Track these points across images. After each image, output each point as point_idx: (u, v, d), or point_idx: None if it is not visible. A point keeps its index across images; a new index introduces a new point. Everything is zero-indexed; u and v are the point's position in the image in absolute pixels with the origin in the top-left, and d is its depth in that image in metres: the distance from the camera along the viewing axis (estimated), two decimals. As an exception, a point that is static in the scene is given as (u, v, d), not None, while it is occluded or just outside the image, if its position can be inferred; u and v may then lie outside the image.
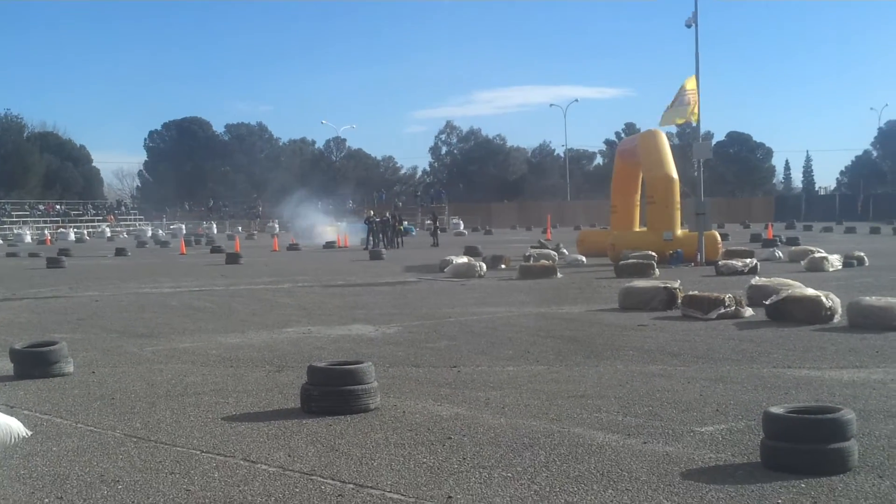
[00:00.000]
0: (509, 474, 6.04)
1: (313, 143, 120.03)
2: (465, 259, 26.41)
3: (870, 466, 5.94)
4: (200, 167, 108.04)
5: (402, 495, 5.67)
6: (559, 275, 23.28)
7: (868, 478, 5.72)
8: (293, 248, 44.13)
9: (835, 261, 24.46)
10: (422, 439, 7.04)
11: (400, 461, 6.43)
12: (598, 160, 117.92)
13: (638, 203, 32.85)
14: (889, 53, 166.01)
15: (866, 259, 25.69)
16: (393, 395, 8.67)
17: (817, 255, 25.04)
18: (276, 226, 73.03)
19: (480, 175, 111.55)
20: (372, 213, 46.75)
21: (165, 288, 22.18)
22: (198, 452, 6.81)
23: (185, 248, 44.30)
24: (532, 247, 33.81)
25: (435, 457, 6.53)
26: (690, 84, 28.21)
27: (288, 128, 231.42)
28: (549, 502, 5.47)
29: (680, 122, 30.22)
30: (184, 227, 77.17)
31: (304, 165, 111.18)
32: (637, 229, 31.79)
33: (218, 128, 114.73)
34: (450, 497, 5.60)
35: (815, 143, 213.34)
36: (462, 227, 73.76)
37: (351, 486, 5.89)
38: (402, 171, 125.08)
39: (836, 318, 13.20)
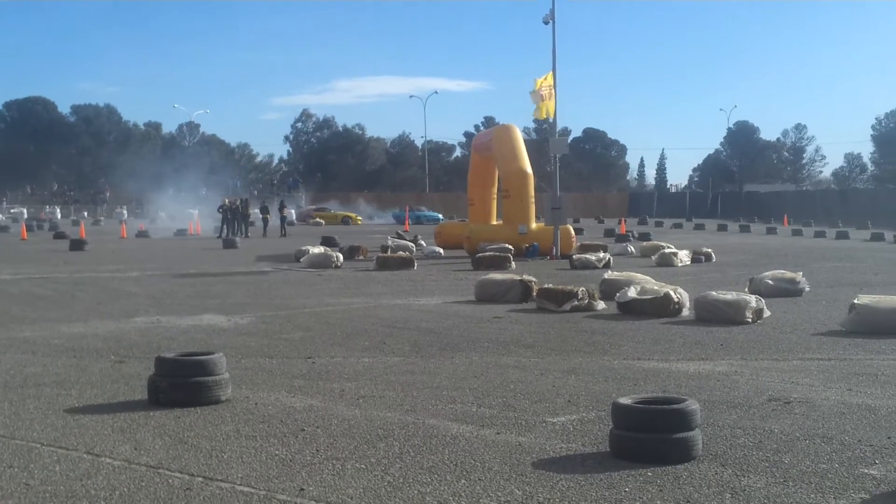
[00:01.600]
0: (363, 465, 5.97)
1: (164, 127, 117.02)
2: (321, 249, 26.16)
3: (713, 455, 6.12)
4: (44, 149, 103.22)
5: (253, 488, 5.53)
6: (416, 266, 23.32)
7: (711, 466, 5.89)
8: (142, 235, 42.85)
9: (684, 256, 25.32)
10: (274, 431, 6.89)
11: (251, 453, 6.27)
12: (458, 152, 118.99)
13: (495, 196, 33.25)
14: (739, 54, 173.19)
15: (713, 255, 26.69)
16: (245, 387, 8.47)
17: (667, 250, 25.86)
18: (125, 212, 70.77)
19: (339, 165, 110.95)
20: (227, 200, 45.78)
21: (4, 275, 21.16)
22: (38, 445, 6.48)
23: (27, 234, 42.36)
24: (390, 238, 33.79)
25: (287, 449, 6.39)
26: (548, 80, 28.71)
27: (138, 111, 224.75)
28: (401, 493, 5.42)
29: (541, 116, 30.68)
30: (25, 211, 73.84)
31: (155, 150, 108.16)
32: (494, 222, 32.18)
33: (63, 108, 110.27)
34: (302, 489, 5.49)
35: (670, 141, 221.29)
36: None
37: (200, 479, 5.71)
38: (259, 159, 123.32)
39: (685, 312, 13.63)
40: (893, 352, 10.48)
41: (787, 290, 16.47)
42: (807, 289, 16.74)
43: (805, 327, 12.46)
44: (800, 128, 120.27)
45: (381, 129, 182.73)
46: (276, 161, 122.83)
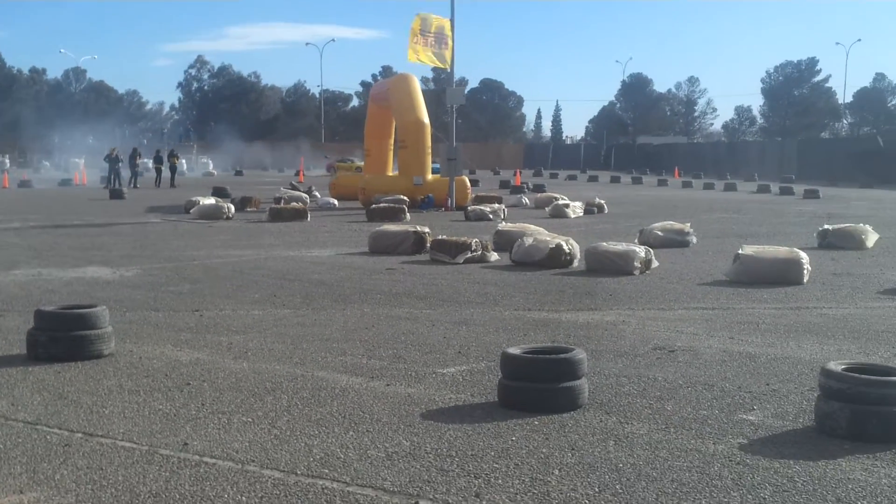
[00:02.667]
0: (249, 419, 5.88)
1: (50, 73, 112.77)
2: (212, 200, 25.69)
3: (599, 403, 6.21)
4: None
5: (135, 443, 5.39)
6: (310, 218, 23.08)
7: (596, 414, 5.98)
8: (25, 185, 41.41)
9: (577, 208, 25.67)
10: (158, 385, 6.73)
11: (134, 408, 6.12)
12: (355, 102, 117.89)
13: (392, 147, 33.02)
14: (635, 5, 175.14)
15: (606, 206, 27.10)
16: (129, 341, 8.25)
17: (560, 202, 26.17)
18: (7, 161, 68.12)
19: (232, 113, 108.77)
20: (114, 150, 44.44)
21: None
22: None
23: None
24: (283, 188, 33.33)
25: (172, 403, 6.26)
26: (443, 26, 28.35)
27: (22, 56, 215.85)
28: (288, 446, 5.36)
29: (434, 63, 30.27)
30: None
31: (40, 97, 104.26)
32: (390, 174, 32.01)
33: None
34: (185, 444, 5.38)
35: (567, 93, 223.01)
36: (211, 166, 71.51)
37: (79, 434, 5.55)
38: (149, 107, 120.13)
39: (576, 263, 13.80)
40: (774, 301, 10.80)
41: (675, 241, 16.84)
42: (694, 240, 17.13)
43: (691, 277, 12.75)
44: (692, 80, 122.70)
45: (277, 77, 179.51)
46: (167, 109, 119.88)
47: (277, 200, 27.48)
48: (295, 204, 25.92)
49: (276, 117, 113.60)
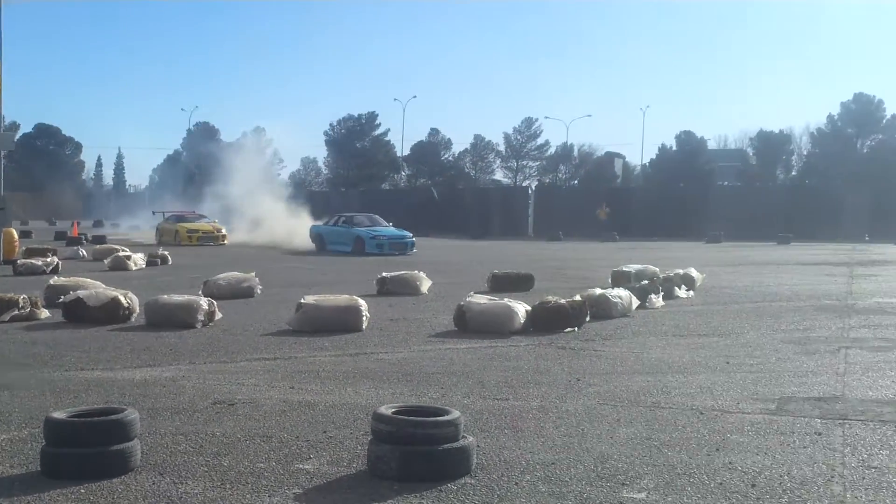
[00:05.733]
0: None
1: None
2: None
3: (152, 465, 5.93)
4: None
5: None
6: None
7: (149, 476, 5.69)
8: None
9: (139, 259, 24.85)
10: None
11: None
12: None
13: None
14: (203, 53, 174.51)
15: (170, 258, 26.56)
16: None
17: (121, 253, 25.19)
18: None
19: None
20: None
21: None
22: None
23: None
24: None
25: None
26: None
27: None
28: None
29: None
30: None
31: None
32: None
33: None
34: None
35: (131, 140, 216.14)
36: None
37: None
38: None
39: (134, 317, 13.26)
40: (335, 348, 11.09)
41: (240, 291, 16.82)
42: (259, 290, 17.22)
43: (255, 328, 12.75)
44: (258, 130, 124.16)
45: None
46: None
47: None
48: None
49: None
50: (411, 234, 35.53)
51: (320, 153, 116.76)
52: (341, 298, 13.25)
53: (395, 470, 5.62)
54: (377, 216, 38.51)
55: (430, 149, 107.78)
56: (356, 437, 6.69)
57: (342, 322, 12.50)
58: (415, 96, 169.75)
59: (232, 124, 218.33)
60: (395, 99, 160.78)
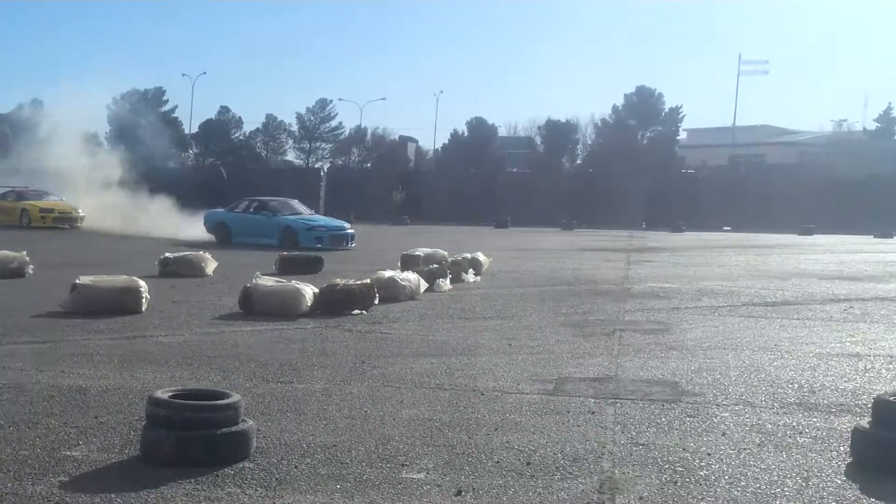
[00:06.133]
0: None
1: None
2: None
3: None
4: None
5: None
6: None
7: None
8: None
9: None
10: None
11: None
12: None
13: None
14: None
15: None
16: None
17: None
18: None
19: None
20: None
21: None
22: None
23: None
24: None
25: None
26: None
27: None
28: None
29: None
30: None
31: None
32: None
33: None
34: None
35: None
36: None
37: None
38: None
39: None
40: (111, 331, 10.62)
41: (9, 271, 15.86)
42: (31, 270, 16.30)
43: (24, 310, 12.03)
44: (36, 102, 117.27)
45: None
46: None
47: None
48: None
49: None
50: (349, 225, 30.61)
51: (102, 128, 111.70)
52: (119, 279, 12.70)
53: (170, 455, 5.42)
54: (293, 201, 32.11)
55: (219, 127, 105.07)
56: (130, 423, 6.40)
57: (120, 304, 11.99)
58: (204, 72, 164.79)
59: (6, 96, 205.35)
60: (183, 74, 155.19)
